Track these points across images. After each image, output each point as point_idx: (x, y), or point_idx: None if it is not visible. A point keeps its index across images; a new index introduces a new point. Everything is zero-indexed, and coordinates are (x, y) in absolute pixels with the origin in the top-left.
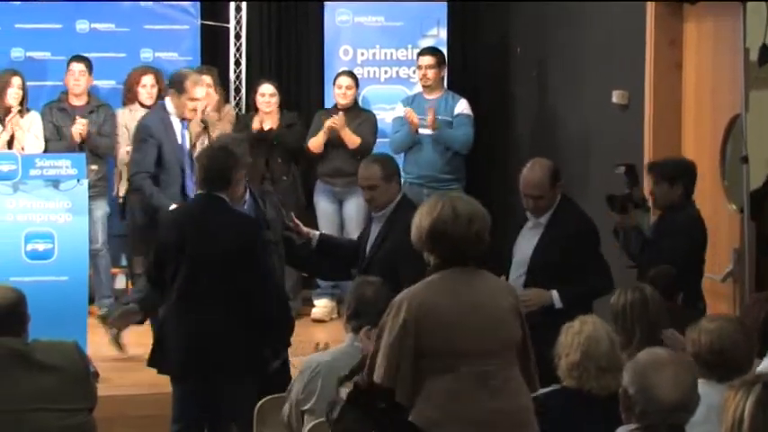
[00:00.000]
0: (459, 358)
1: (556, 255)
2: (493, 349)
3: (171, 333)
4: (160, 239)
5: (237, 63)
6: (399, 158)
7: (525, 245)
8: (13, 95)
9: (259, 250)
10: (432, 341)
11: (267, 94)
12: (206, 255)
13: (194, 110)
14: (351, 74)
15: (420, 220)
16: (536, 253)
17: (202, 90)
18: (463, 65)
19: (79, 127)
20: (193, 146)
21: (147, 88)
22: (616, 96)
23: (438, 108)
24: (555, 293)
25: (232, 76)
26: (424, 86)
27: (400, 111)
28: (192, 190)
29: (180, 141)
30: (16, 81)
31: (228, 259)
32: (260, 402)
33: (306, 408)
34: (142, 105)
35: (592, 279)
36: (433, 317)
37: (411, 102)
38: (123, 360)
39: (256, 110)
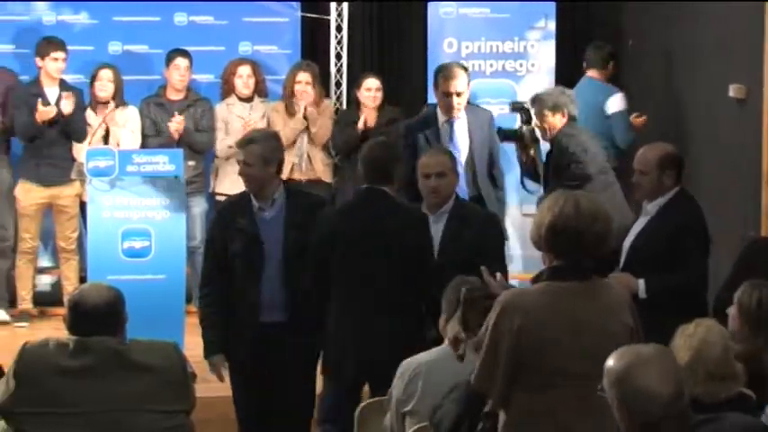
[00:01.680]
0: (557, 377)
1: (655, 245)
2: (595, 372)
3: (341, 333)
4: (323, 238)
5: (338, 56)
6: None
7: (632, 231)
8: (101, 89)
9: (429, 242)
10: (530, 356)
11: (373, 88)
12: (381, 249)
13: None
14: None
15: (540, 216)
16: (637, 239)
17: None
18: (573, 58)
19: (175, 124)
20: (293, 142)
21: (243, 79)
22: (733, 91)
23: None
24: (641, 283)
25: (333, 69)
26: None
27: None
28: None
29: None
30: (105, 74)
31: (405, 254)
32: (361, 405)
33: (406, 409)
34: (239, 98)
35: (683, 275)
36: (537, 331)
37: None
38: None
39: (358, 105)
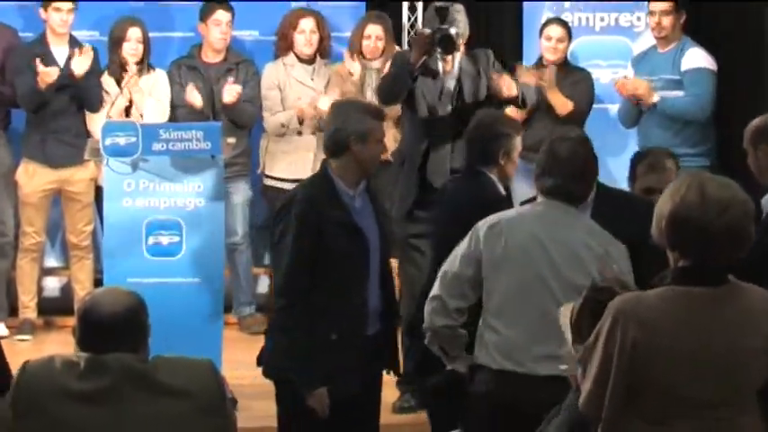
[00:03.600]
0: (681, 405)
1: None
2: (722, 398)
3: None
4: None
5: (412, 8)
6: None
7: None
8: (130, 51)
9: None
10: (647, 377)
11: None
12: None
13: None
14: (563, 23)
15: (661, 206)
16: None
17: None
18: (697, 10)
19: (233, 93)
20: None
21: (305, 34)
22: None
23: (666, 65)
24: None
25: (405, 23)
26: (657, 38)
27: (629, 72)
28: None
29: None
30: (134, 33)
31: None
32: None
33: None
34: (299, 58)
35: None
36: (656, 346)
37: (641, 59)
38: (268, 382)
39: None
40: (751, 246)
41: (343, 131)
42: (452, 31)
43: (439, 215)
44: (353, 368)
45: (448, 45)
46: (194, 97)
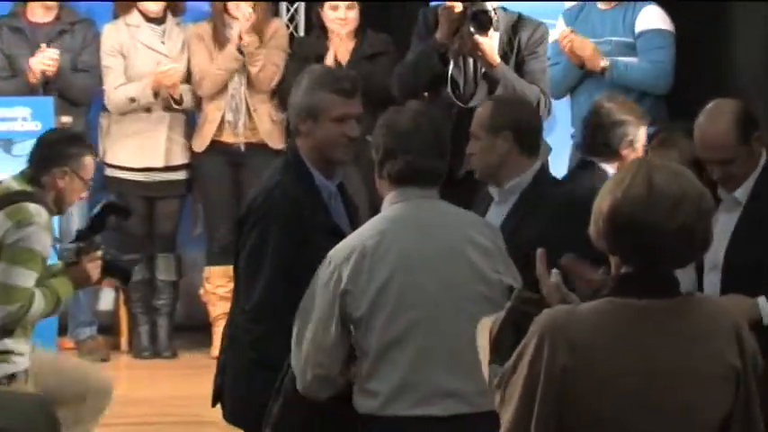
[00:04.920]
0: None
1: (762, 247)
2: None
3: None
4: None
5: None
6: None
7: (717, 235)
8: None
9: None
10: (581, 411)
11: (342, 6)
12: None
13: None
14: None
15: (600, 201)
16: (732, 245)
17: None
18: None
19: (45, 60)
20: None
21: None
22: None
23: (615, 25)
24: (763, 302)
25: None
26: None
27: (560, 29)
28: None
29: None
30: None
31: None
32: None
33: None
34: (146, 17)
35: None
36: (591, 373)
37: (576, 16)
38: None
39: (323, 31)
40: (707, 247)
41: (292, 107)
42: (489, 4)
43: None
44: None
45: (483, 21)
46: (39, 65)
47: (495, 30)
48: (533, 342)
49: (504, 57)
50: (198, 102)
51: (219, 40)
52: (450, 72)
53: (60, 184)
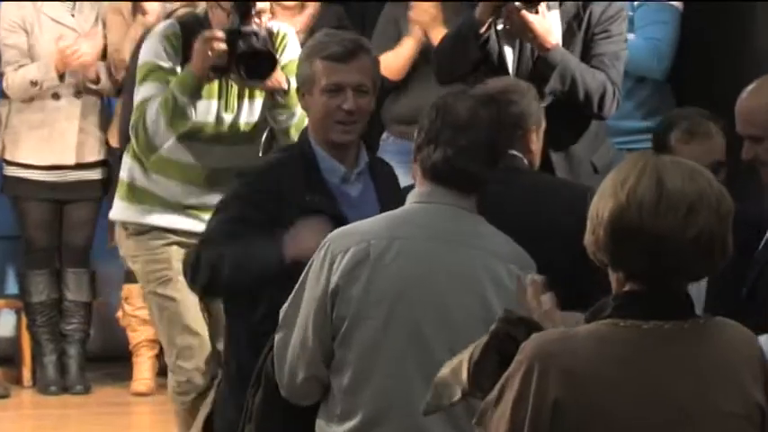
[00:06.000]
0: None
1: None
2: None
3: None
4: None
5: None
6: None
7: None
8: None
9: None
10: None
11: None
12: None
13: None
14: None
15: (598, 204)
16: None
17: None
18: None
19: None
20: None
21: None
22: None
23: None
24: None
25: None
26: None
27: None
28: None
29: None
30: None
31: None
32: None
33: None
34: None
35: None
36: (587, 409)
37: None
38: None
39: None
40: (727, 257)
41: (296, 78)
42: None
43: None
44: None
45: None
46: None
47: (552, 5)
48: (520, 371)
49: (570, 34)
50: (116, 85)
51: (139, 12)
52: (498, 54)
53: None
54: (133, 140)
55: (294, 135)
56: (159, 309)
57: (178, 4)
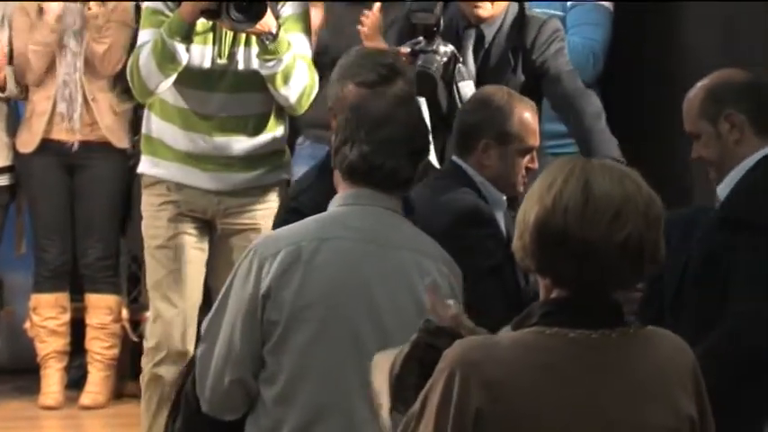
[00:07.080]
0: None
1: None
2: None
3: None
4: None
5: None
6: None
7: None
8: None
9: None
10: None
11: None
12: None
13: None
14: None
15: (525, 209)
16: (697, 261)
17: None
18: None
19: None
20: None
21: None
22: None
23: None
24: None
25: None
26: None
27: None
28: None
29: None
30: None
31: None
32: None
33: None
34: None
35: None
36: (507, 418)
37: None
38: None
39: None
40: (658, 262)
41: (328, 97)
42: None
43: None
44: None
45: None
46: None
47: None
48: (441, 380)
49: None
50: (24, 90)
51: (41, 10)
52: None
53: None
54: (130, 83)
55: (280, 82)
56: (150, 269)
57: None
